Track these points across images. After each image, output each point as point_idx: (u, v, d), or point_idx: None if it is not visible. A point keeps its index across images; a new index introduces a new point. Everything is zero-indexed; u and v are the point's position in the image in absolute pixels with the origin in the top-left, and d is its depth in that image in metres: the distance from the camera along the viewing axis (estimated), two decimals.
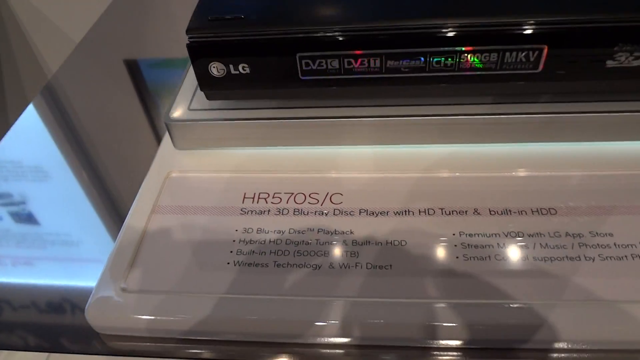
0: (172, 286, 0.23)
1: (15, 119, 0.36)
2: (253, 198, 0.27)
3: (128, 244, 0.25)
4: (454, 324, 0.21)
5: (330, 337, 0.22)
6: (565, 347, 0.21)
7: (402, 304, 0.22)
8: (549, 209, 0.25)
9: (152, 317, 0.22)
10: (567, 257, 0.23)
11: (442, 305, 0.21)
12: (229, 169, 0.28)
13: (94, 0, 0.49)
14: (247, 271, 0.23)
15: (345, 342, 0.22)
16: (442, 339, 0.21)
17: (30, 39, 0.65)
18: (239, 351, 0.22)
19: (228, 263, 0.24)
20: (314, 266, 0.23)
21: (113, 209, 0.30)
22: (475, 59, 0.24)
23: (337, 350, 0.22)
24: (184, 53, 0.24)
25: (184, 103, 0.29)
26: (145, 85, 0.41)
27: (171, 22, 0.47)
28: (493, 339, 0.21)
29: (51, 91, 0.40)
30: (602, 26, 0.23)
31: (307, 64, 0.24)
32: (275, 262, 0.24)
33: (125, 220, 0.26)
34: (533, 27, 0.23)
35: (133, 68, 0.42)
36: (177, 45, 0.29)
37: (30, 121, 0.37)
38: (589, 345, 0.21)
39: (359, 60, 0.24)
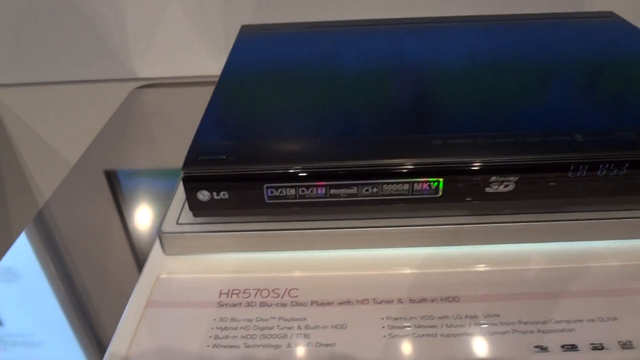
0: None
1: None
2: (227, 294, 0.34)
3: (127, 332, 0.31)
4: None
5: None
6: None
7: None
8: (454, 297, 0.33)
9: None
10: (465, 333, 0.31)
11: None
12: (209, 270, 0.36)
13: (89, 123, 0.58)
14: (223, 352, 0.30)
15: None
16: None
17: (22, 160, 0.71)
18: None
19: (207, 345, 0.30)
20: (275, 346, 0.30)
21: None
22: (393, 188, 0.33)
23: None
24: (163, 166, 0.32)
25: (173, 217, 0.36)
26: (134, 197, 0.48)
27: (153, 144, 0.56)
28: None
29: (42, 218, 0.46)
30: (481, 164, 0.32)
31: (272, 192, 0.33)
32: (245, 344, 0.31)
33: (123, 314, 0.33)
34: (433, 166, 0.32)
35: (120, 183, 0.50)
36: (158, 160, 0.37)
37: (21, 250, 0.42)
38: None
39: (309, 189, 0.33)
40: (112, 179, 0.50)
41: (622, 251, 0.36)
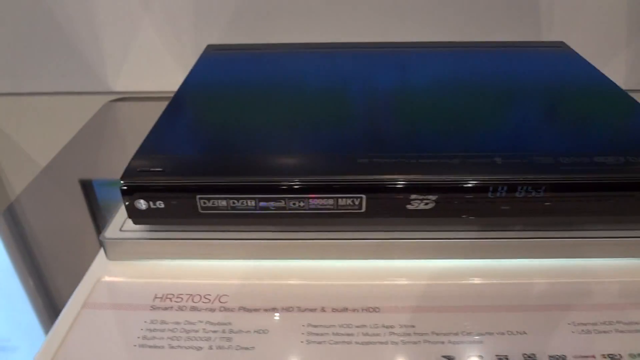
0: None
1: None
2: (162, 298, 0.36)
3: (60, 332, 0.33)
4: None
5: None
6: None
7: None
8: (374, 307, 0.35)
9: None
10: (379, 342, 0.33)
11: None
12: (147, 275, 0.37)
13: (63, 132, 0.60)
14: (147, 352, 0.32)
15: None
16: None
17: None
18: None
19: (134, 345, 0.32)
20: (197, 347, 0.32)
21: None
22: (319, 203, 0.35)
23: None
24: None
25: (117, 225, 0.38)
26: (98, 203, 0.50)
27: (121, 153, 0.58)
28: None
29: (12, 211, 0.49)
30: (402, 183, 0.34)
31: (204, 203, 0.35)
32: (169, 344, 0.32)
33: (59, 316, 0.34)
34: (356, 183, 0.34)
35: (88, 188, 0.52)
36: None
37: None
38: None
39: (240, 201, 0.35)
40: (83, 184, 0.53)
41: (535, 269, 0.37)
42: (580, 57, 0.53)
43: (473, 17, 0.64)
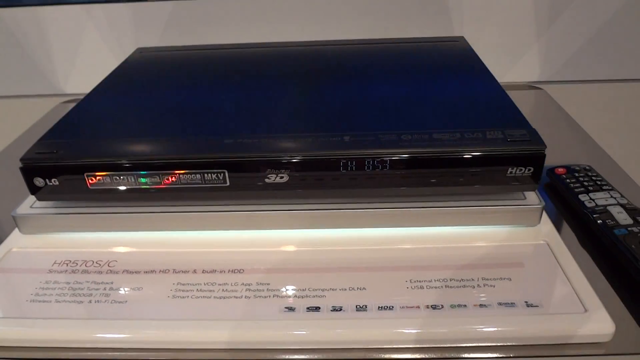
0: None
1: None
2: (60, 264, 0.42)
3: None
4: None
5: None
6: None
7: (131, 324, 0.36)
8: (240, 269, 0.40)
9: None
10: (235, 296, 0.38)
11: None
12: (53, 246, 0.43)
13: (16, 131, 0.66)
14: (35, 305, 0.37)
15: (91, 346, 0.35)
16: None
17: None
18: None
19: (26, 301, 0.38)
20: (79, 301, 0.38)
21: None
22: (189, 178, 0.40)
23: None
24: None
25: (28, 203, 0.44)
26: None
27: None
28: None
29: None
30: (258, 159, 0.39)
31: (92, 180, 0.41)
32: (56, 300, 0.38)
33: None
34: (219, 160, 0.40)
35: None
36: None
37: None
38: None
39: (121, 177, 0.40)
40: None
41: (380, 236, 0.43)
42: (470, 50, 0.57)
43: (393, 18, 0.69)
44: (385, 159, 0.40)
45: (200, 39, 0.70)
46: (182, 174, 0.40)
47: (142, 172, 0.40)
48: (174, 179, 0.40)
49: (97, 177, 0.40)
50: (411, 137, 0.40)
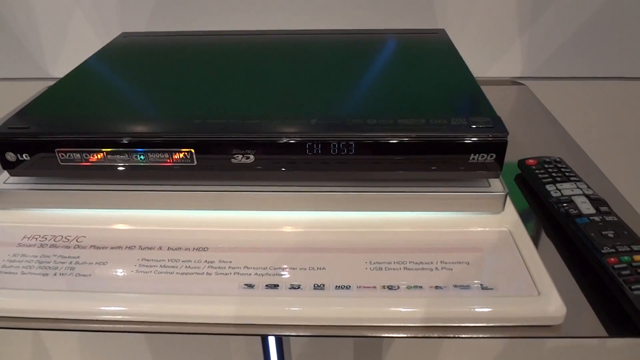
0: None
1: None
2: (29, 238, 0.42)
3: None
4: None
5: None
6: None
7: (92, 296, 0.37)
8: (204, 247, 0.41)
9: None
10: (197, 272, 0.38)
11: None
12: (24, 221, 0.44)
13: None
14: (2, 277, 0.38)
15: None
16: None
17: None
18: None
19: None
20: (44, 274, 0.38)
21: None
22: (158, 156, 0.41)
23: None
24: None
25: (2, 179, 0.45)
26: None
27: None
28: None
29: None
30: (224, 139, 0.40)
31: (62, 156, 0.41)
32: (22, 272, 0.39)
33: None
34: (185, 139, 0.40)
35: None
36: None
37: None
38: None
39: (91, 154, 0.41)
40: None
41: (342, 220, 0.43)
42: (449, 42, 0.58)
43: (377, 10, 0.70)
44: (350, 142, 0.40)
45: (189, 26, 0.71)
46: (151, 152, 0.41)
47: (111, 149, 0.41)
48: (142, 157, 0.41)
49: (68, 154, 0.41)
50: (377, 122, 0.41)
